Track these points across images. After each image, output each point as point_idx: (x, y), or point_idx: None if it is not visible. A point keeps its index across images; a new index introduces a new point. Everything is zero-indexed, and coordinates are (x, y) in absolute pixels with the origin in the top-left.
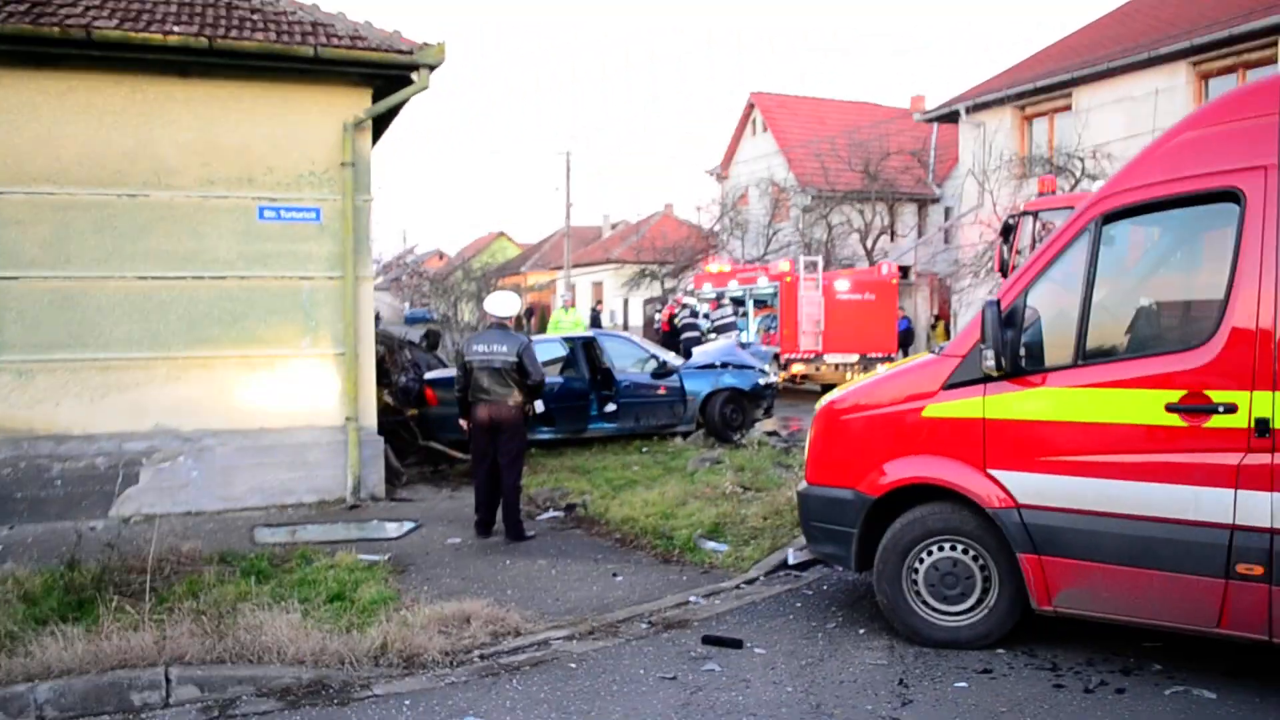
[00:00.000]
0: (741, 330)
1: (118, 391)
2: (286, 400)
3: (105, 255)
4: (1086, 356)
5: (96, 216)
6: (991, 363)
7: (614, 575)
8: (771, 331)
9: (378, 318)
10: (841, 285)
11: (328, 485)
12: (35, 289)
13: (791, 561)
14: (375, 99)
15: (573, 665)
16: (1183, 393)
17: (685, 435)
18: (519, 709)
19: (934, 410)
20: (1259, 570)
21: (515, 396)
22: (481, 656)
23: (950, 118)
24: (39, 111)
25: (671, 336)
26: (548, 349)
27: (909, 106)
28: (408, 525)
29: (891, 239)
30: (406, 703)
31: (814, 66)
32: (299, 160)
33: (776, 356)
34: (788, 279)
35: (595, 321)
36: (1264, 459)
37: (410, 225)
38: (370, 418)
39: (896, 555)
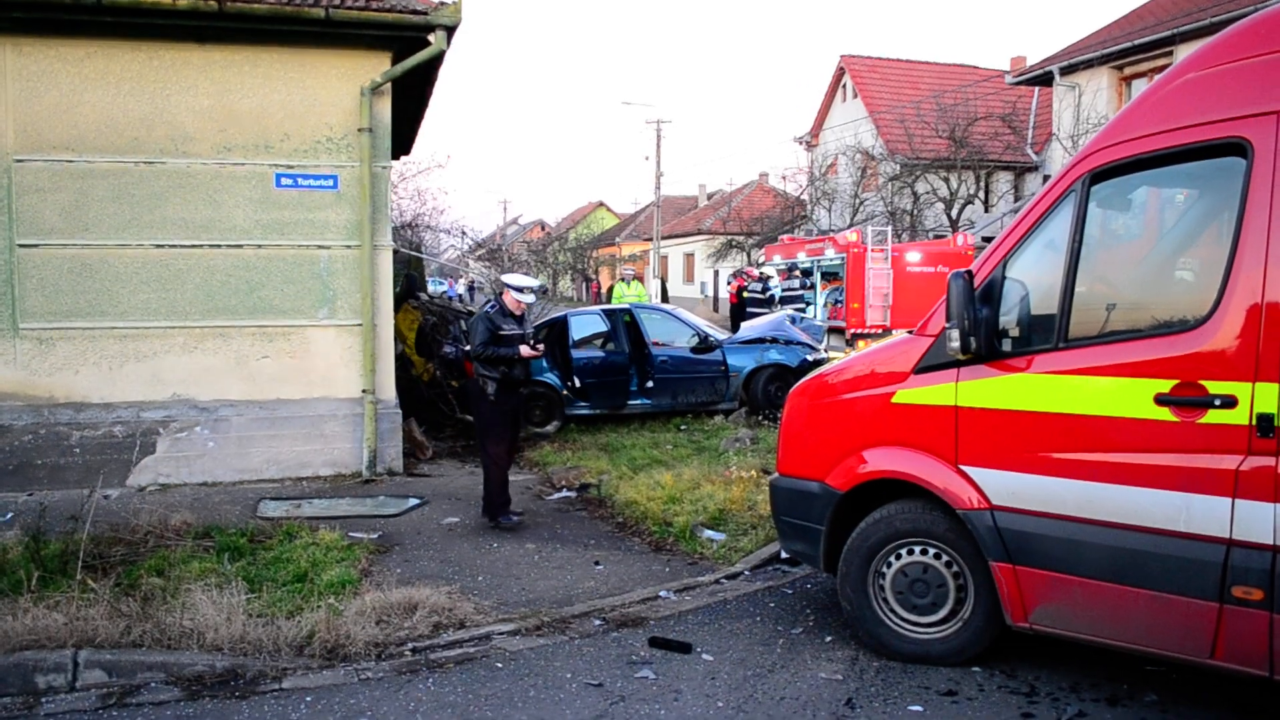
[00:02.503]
0: (809, 303)
1: (135, 360)
2: (303, 371)
3: (123, 223)
4: (1069, 338)
5: (114, 184)
6: (957, 344)
7: (595, 564)
8: (839, 305)
9: (473, 286)
10: (913, 257)
11: (344, 458)
12: (55, 257)
13: (784, 555)
14: (396, 63)
15: (499, 665)
16: (1174, 382)
17: (727, 413)
18: (420, 713)
19: (904, 396)
20: (1258, 595)
21: (477, 369)
22: (414, 650)
23: (1044, 80)
24: (58, 79)
25: (739, 309)
26: (586, 323)
27: (1009, 68)
28: (411, 502)
29: (986, 209)
30: (307, 699)
31: (913, 27)
32: (316, 126)
33: (840, 330)
34: (855, 250)
35: (665, 295)
36: (1267, 462)
37: (512, 196)
38: (388, 390)
39: (861, 558)
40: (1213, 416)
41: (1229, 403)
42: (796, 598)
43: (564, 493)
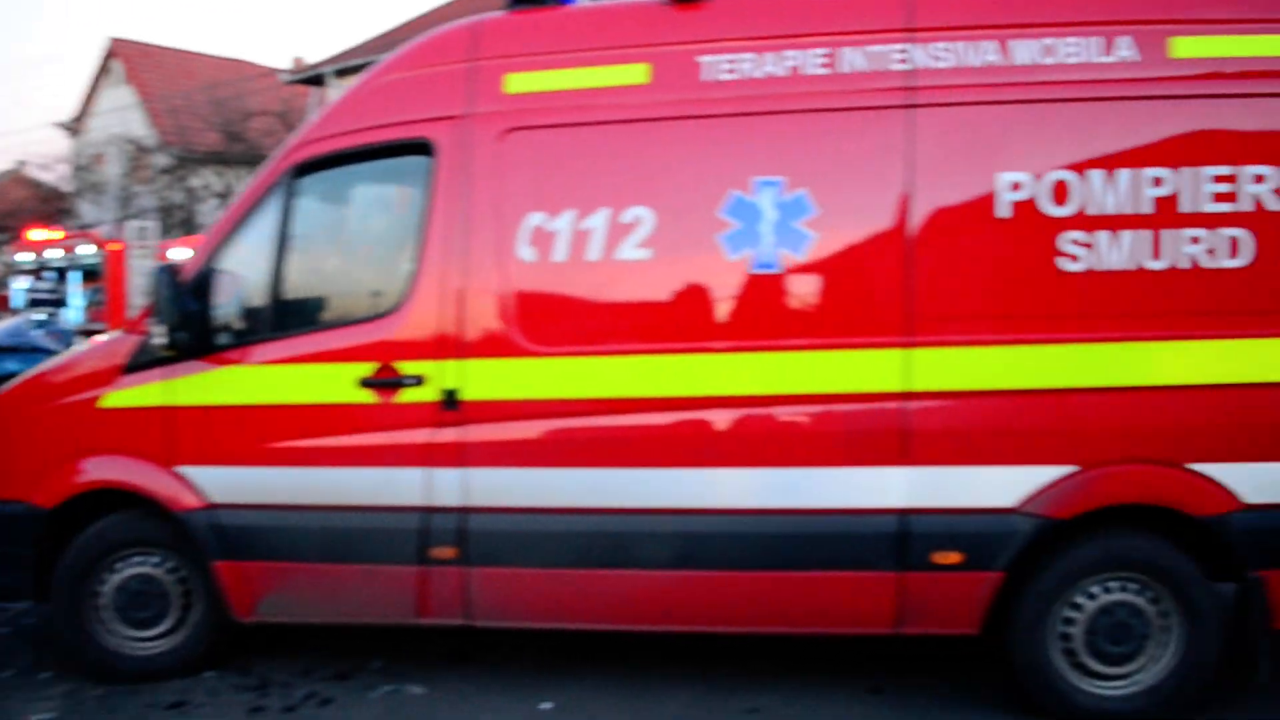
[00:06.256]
0: (67, 307)
1: None
2: None
3: None
4: (280, 329)
5: None
6: (164, 340)
7: None
8: (100, 305)
9: None
10: (183, 254)
11: None
12: None
13: None
14: None
15: None
16: (375, 366)
17: None
18: None
19: (112, 399)
20: (452, 552)
21: None
22: None
23: (318, 80)
24: None
25: None
26: None
27: (293, 67)
28: None
29: None
30: None
31: (191, 17)
32: None
33: (101, 332)
34: (115, 247)
35: None
36: (453, 433)
37: None
38: None
39: (74, 578)
40: (406, 395)
41: (418, 381)
42: (15, 638)
43: None
